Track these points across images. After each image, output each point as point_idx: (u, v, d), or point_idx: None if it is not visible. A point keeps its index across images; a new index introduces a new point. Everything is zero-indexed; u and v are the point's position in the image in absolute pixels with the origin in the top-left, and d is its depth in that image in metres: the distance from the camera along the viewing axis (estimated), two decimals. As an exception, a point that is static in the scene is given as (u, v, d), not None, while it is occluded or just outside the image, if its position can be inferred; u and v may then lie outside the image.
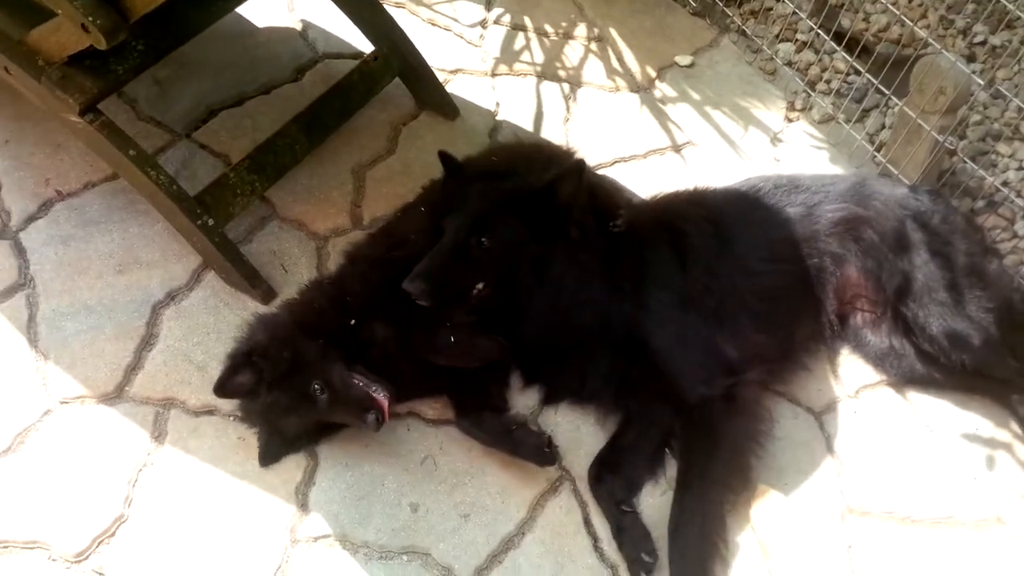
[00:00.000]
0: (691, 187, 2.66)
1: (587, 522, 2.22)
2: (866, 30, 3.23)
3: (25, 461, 2.17)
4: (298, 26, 3.19)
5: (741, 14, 3.43)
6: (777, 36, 3.36)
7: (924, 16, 3.24)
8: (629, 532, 2.17)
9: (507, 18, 3.37)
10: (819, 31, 3.15)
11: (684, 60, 3.34)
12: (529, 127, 3.06)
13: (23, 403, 2.23)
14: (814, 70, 3.30)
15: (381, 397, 2.09)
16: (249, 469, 2.20)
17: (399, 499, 2.20)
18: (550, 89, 3.18)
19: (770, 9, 3.44)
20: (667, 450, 2.33)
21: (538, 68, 3.23)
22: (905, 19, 2.98)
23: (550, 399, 2.41)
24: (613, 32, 3.38)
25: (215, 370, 2.31)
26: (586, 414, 2.39)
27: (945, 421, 2.47)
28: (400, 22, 2.91)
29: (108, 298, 2.43)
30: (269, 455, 2.20)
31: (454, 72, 3.17)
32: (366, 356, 2.19)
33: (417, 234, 2.36)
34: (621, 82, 3.24)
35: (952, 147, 2.88)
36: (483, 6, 3.39)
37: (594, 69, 3.26)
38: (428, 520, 2.17)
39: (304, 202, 2.71)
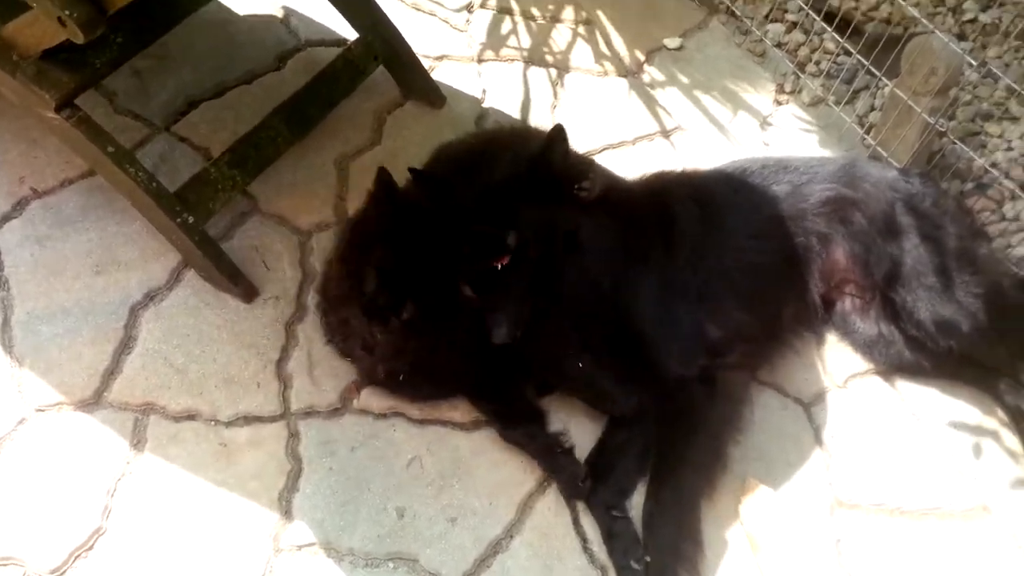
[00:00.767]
0: (679, 168, 2.62)
1: (576, 523, 2.20)
2: (856, 8, 3.17)
3: (-1, 470, 2.13)
4: (280, 13, 3.11)
5: (730, -6, 3.37)
6: (767, 16, 3.29)
7: (915, -6, 3.19)
8: (620, 538, 2.14)
9: (493, 1, 3.29)
10: (808, 10, 3.09)
11: (673, 43, 3.27)
12: (516, 114, 2.99)
13: (-3, 411, 2.19)
14: (803, 51, 3.24)
15: None
16: (230, 476, 2.17)
17: (385, 504, 2.17)
18: (537, 75, 3.11)
19: (759, -12, 3.38)
20: None
21: (525, 53, 3.16)
22: (895, -2, 2.93)
23: (543, 389, 2.38)
24: (601, 15, 3.31)
25: (195, 373, 2.30)
26: (574, 410, 2.36)
27: (933, 409, 2.46)
28: (384, 7, 2.83)
29: (85, 300, 2.38)
30: None
31: (439, 58, 3.10)
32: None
33: None
34: (609, 66, 3.18)
35: (943, 129, 2.83)
36: (468, -11, 3.31)
37: (582, 53, 3.20)
38: (415, 525, 2.14)
39: (287, 196, 2.66)
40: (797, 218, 2.43)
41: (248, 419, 2.26)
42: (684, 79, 3.16)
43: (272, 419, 2.27)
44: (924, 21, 2.76)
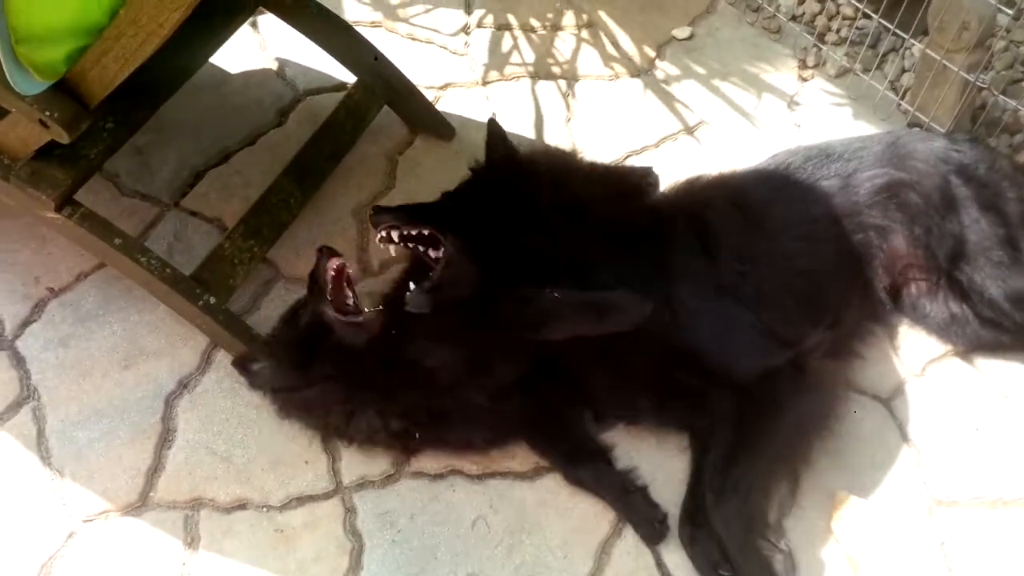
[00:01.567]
0: (713, 172, 2.47)
1: (659, 564, 2.06)
2: (870, -33, 3.00)
3: (56, 592, 2.05)
4: (274, 65, 3.01)
5: (734, -29, 3.20)
6: (776, -11, 3.13)
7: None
8: None
9: (490, 19, 3.16)
10: (821, -24, 2.93)
11: (682, 33, 3.12)
12: (530, 133, 2.86)
13: (43, 529, 2.09)
14: (821, 20, 3.08)
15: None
16: (291, 563, 2.06)
17: (455, 571, 2.05)
18: (546, 88, 2.98)
19: (765, -40, 3.21)
20: None
21: (530, 68, 3.03)
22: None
23: (601, 419, 2.25)
24: (603, 15, 3.17)
25: (240, 459, 2.21)
26: (644, 444, 2.22)
27: (1020, 385, 2.29)
28: (378, 43, 2.72)
29: (118, 398, 2.29)
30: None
31: (443, 88, 2.98)
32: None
33: None
34: (620, 68, 3.04)
35: (983, 84, 2.65)
36: (463, 10, 3.18)
37: (589, 59, 3.06)
38: (490, 590, 2.03)
39: (308, 257, 2.47)
40: (852, 214, 2.28)
41: (301, 500, 2.16)
42: (700, 70, 3.01)
43: (325, 496, 2.16)
44: (945, -27, 2.59)
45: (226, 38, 2.49)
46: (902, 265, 2.33)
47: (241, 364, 2.23)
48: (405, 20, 3.16)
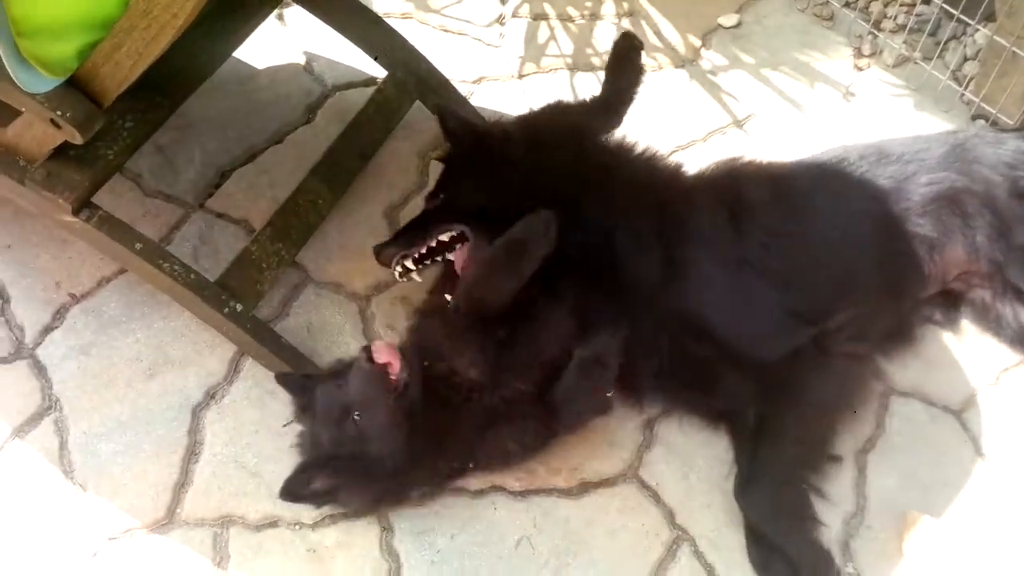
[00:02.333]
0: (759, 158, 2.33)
1: (718, 588, 1.93)
2: (930, -50, 2.83)
3: (80, 614, 1.94)
4: (301, 60, 2.89)
5: (783, -45, 3.05)
6: (829, -27, 2.98)
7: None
8: None
9: (525, 8, 3.03)
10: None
11: (729, 20, 2.98)
12: (569, 128, 2.73)
13: (67, 548, 1.99)
14: (876, 6, 2.93)
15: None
16: (326, 585, 1.95)
17: (498, 594, 1.93)
18: (585, 81, 2.84)
19: (815, -57, 3.05)
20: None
21: (568, 60, 2.90)
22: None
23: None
24: (644, 2, 3.04)
25: (271, 474, 2.09)
26: (692, 456, 2.09)
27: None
28: (409, 36, 2.61)
29: (142, 409, 2.18)
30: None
31: (477, 81, 2.85)
32: None
33: None
34: (663, 58, 2.90)
35: (1058, 72, 2.49)
36: (497, 0, 3.05)
37: (630, 49, 2.91)
38: (535, 616, 1.90)
39: (338, 260, 2.44)
40: (900, 220, 2.13)
41: (335, 518, 2.04)
42: (748, 59, 2.86)
43: (360, 514, 2.04)
44: (1014, -48, 2.42)
45: (250, 31, 2.38)
46: (960, 272, 2.18)
47: (293, 493, 1.95)
48: (437, 11, 3.04)
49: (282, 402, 2.18)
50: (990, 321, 2.20)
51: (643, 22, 2.98)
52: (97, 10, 1.63)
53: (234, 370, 2.25)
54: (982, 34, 2.64)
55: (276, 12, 2.70)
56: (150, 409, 2.18)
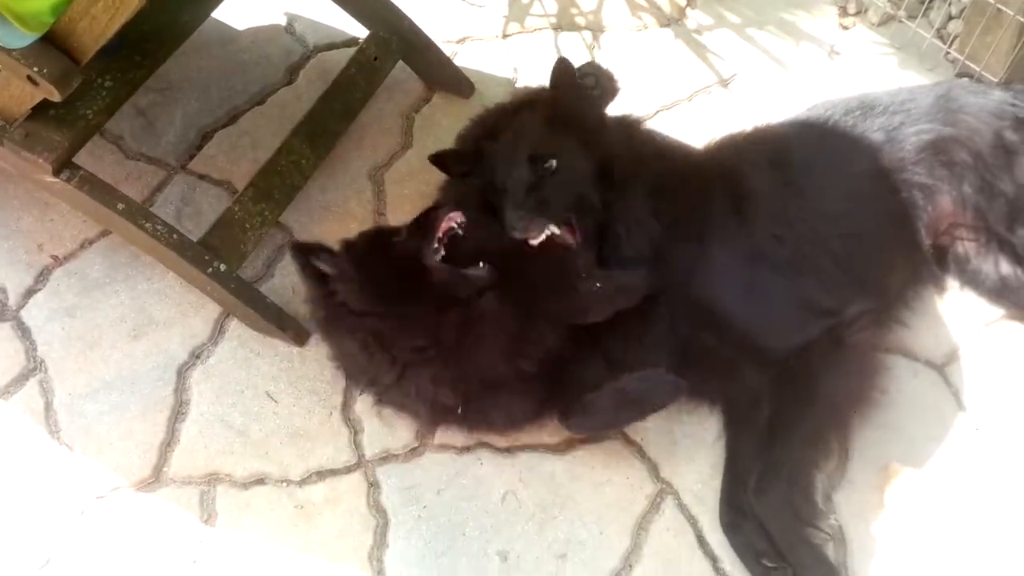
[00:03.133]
0: (749, 127, 2.31)
1: (701, 541, 1.95)
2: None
3: (66, 573, 1.94)
4: (282, 21, 2.86)
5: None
6: (814, -68, 2.95)
7: None
8: None
9: (509, -32, 3.00)
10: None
11: (714, -21, 2.95)
12: (554, 88, 2.71)
13: (54, 506, 2.00)
14: (862, -35, 2.90)
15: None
16: (313, 540, 1.96)
17: (484, 548, 1.94)
18: (570, 41, 2.82)
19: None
20: None
21: (553, 19, 2.88)
22: None
23: None
24: (629, -38, 3.00)
25: (257, 432, 2.10)
26: (677, 412, 2.10)
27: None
28: (392, -5, 2.58)
29: (127, 369, 2.18)
30: None
31: (461, 41, 2.83)
32: None
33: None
34: (648, 18, 2.88)
35: (1042, 27, 2.48)
36: (481, -41, 3.02)
37: (616, 8, 2.90)
38: (521, 568, 1.92)
39: (322, 220, 2.43)
40: (896, 170, 2.13)
41: (322, 474, 2.05)
42: (734, 18, 2.85)
43: (347, 470, 2.06)
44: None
45: (231, -10, 2.35)
46: (947, 224, 2.18)
47: (304, 252, 1.91)
48: (420, -30, 3.00)
49: (268, 362, 2.19)
50: (970, 276, 2.21)
51: (628, -19, 2.95)
52: None
53: (219, 331, 2.25)
54: (974, -5, 2.63)
55: (257, -28, 2.67)
56: (135, 370, 2.18)
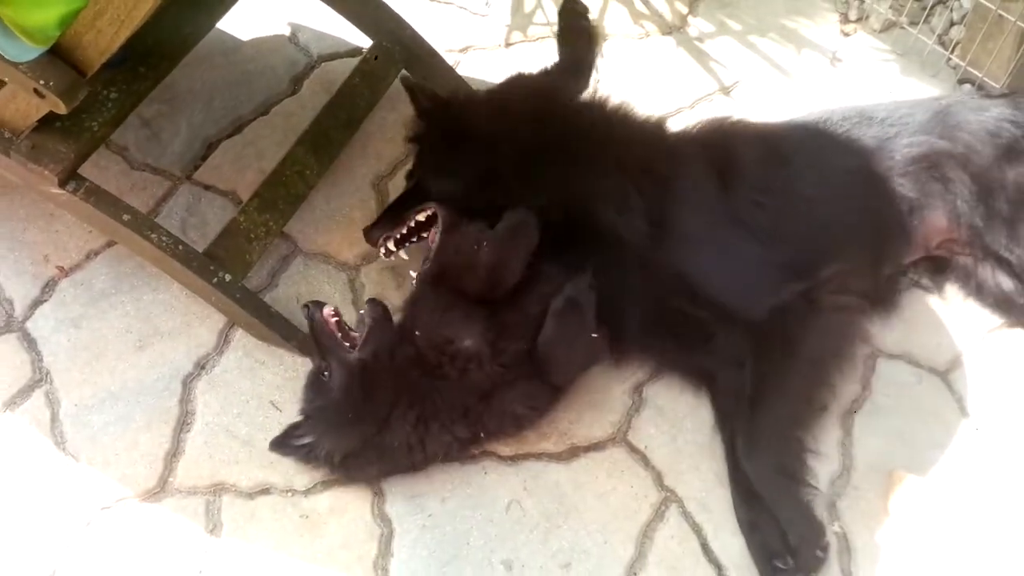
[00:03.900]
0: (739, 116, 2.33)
1: (706, 549, 1.95)
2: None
3: (74, 584, 1.95)
4: (286, 31, 2.87)
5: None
6: (816, -61, 2.96)
7: None
8: None
9: (511, -23, 3.01)
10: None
11: (715, -13, 2.96)
12: (556, 96, 2.72)
13: (59, 517, 2.01)
14: (862, -29, 2.91)
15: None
16: (319, 550, 1.96)
17: (489, 557, 1.94)
18: (572, 50, 2.83)
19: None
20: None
21: (555, 28, 2.86)
22: None
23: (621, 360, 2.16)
24: (631, -30, 3.01)
25: (263, 442, 2.09)
26: (680, 419, 2.11)
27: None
28: (395, 4, 2.59)
29: (133, 380, 2.19)
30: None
31: (464, 51, 2.84)
32: None
33: None
34: (650, 26, 2.89)
35: (1045, 33, 2.48)
36: (483, -32, 3.03)
37: (618, 16, 2.91)
38: (526, 577, 1.92)
39: (326, 231, 2.44)
40: (882, 179, 2.14)
41: (327, 484, 2.05)
42: (735, 25, 2.85)
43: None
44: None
45: (234, 2, 2.36)
46: (941, 239, 2.19)
47: (282, 445, 2.01)
48: (423, -20, 3.02)
49: (273, 372, 2.20)
50: (972, 287, 2.22)
51: (630, -11, 2.96)
52: None
53: (224, 341, 2.26)
54: (977, 1, 2.63)
55: (260, -18, 2.68)
56: (141, 380, 2.19)
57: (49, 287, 2.34)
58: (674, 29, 2.87)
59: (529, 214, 2.01)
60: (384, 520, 2.01)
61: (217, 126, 2.64)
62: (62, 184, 1.96)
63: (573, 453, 2.09)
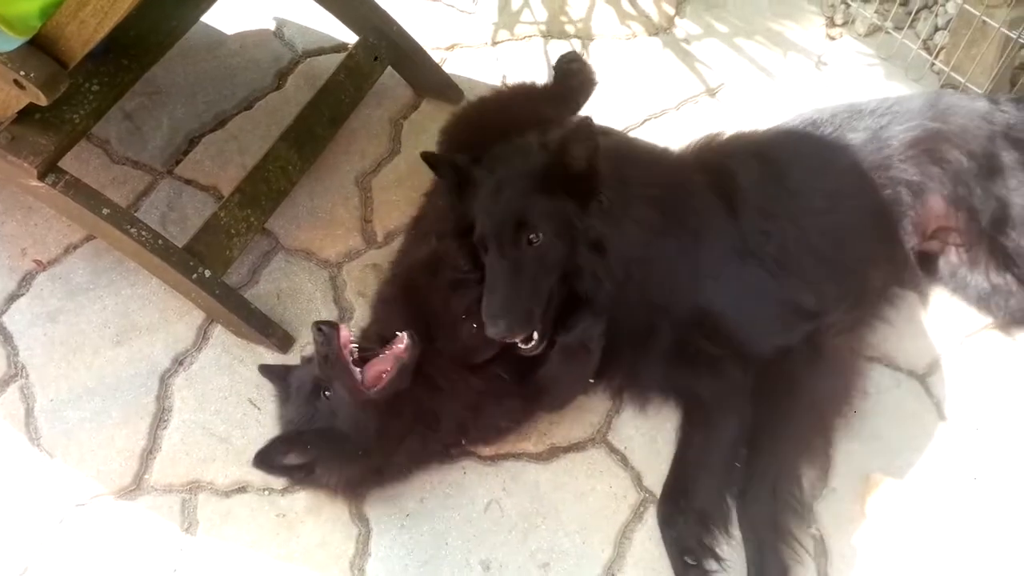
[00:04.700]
0: (733, 131, 2.32)
1: (683, 550, 1.95)
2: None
3: (46, 580, 1.93)
4: (272, 25, 2.86)
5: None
6: (802, -57, 2.97)
7: None
8: None
9: (499, -25, 3.00)
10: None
11: (702, -11, 2.97)
12: (542, 96, 2.71)
13: (33, 514, 1.99)
14: (849, -24, 2.91)
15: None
16: (295, 549, 1.95)
17: (467, 557, 1.94)
18: (559, 49, 2.82)
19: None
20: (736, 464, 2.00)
21: (542, 27, 2.88)
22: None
23: (618, 393, 2.14)
24: (618, -29, 3.01)
25: (240, 440, 2.09)
26: (661, 421, 2.11)
27: (1065, 361, 2.15)
28: (381, 1, 2.57)
29: (110, 375, 2.17)
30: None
31: (451, 48, 2.83)
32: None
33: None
34: (637, 27, 2.89)
35: (1024, 41, 2.50)
36: (470, -34, 3.02)
37: (604, 17, 2.91)
38: (504, 577, 1.92)
39: (309, 227, 2.43)
40: (881, 167, 2.14)
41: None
42: (722, 28, 2.85)
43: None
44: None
45: (219, -5, 2.34)
46: (937, 227, 2.20)
47: (267, 463, 1.90)
48: (410, -23, 3.01)
49: (251, 369, 2.18)
50: (958, 283, 2.22)
51: (617, -10, 2.96)
52: None
53: (203, 337, 2.24)
54: (953, 3, 2.64)
55: (245, -24, 2.67)
56: (118, 376, 2.17)
57: (26, 281, 2.32)
58: (661, 30, 2.87)
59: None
60: (362, 520, 2.00)
61: (200, 120, 2.63)
62: (41, 177, 1.94)
63: (553, 453, 2.08)
